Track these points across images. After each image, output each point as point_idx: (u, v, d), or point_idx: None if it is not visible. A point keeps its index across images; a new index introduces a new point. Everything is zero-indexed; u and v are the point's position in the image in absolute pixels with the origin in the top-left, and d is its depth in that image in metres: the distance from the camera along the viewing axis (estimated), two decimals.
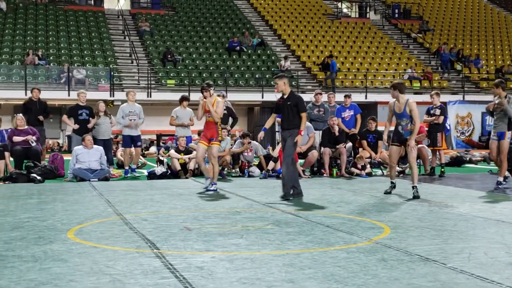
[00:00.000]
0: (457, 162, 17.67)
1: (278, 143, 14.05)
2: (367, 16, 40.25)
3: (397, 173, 14.08)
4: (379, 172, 14.80)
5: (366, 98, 28.65)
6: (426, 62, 34.35)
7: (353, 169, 13.97)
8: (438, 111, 14.27)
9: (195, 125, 14.90)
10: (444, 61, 33.56)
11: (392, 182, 10.41)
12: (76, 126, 14.24)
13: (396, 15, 39.57)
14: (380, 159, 14.69)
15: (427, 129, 14.57)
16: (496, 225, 7.16)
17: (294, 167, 10.15)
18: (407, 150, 10.07)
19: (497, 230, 6.82)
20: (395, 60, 33.58)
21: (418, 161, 15.31)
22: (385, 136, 10.70)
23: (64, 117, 14.82)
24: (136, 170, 14.57)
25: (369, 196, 10.17)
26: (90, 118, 14.37)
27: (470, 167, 17.45)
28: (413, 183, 9.89)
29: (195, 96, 24.24)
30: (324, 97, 15.36)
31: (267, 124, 10.46)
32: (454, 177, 13.69)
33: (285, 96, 9.99)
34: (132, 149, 14.45)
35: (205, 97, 10.79)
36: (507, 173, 11.78)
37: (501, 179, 11.29)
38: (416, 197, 9.65)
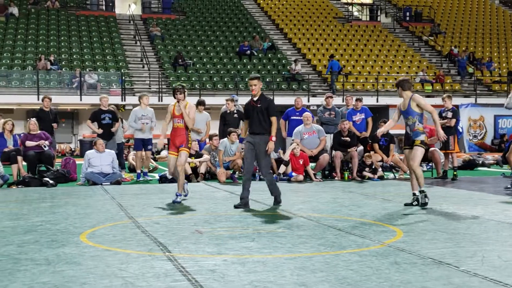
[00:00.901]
0: (469, 165, 17.58)
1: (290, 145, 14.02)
2: (378, 19, 40.16)
3: (409, 176, 14.04)
4: (391, 175, 14.75)
5: (377, 101, 28.58)
6: (437, 65, 34.23)
7: (364, 173, 13.93)
8: (450, 114, 14.20)
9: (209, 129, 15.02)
10: (462, 67, 33.17)
11: (414, 194, 9.14)
12: (100, 131, 14.28)
13: (407, 18, 39.45)
14: (392, 162, 14.64)
15: None
16: (509, 228, 7.12)
17: (271, 175, 9.78)
18: (410, 152, 9.12)
19: (510, 233, 6.78)
20: (406, 63, 33.49)
21: (430, 164, 15.28)
22: (379, 132, 9.84)
23: (88, 122, 14.85)
24: (148, 174, 14.59)
25: (381, 199, 10.14)
26: (114, 122, 14.42)
27: (483, 170, 17.36)
28: (420, 187, 9.02)
29: (206, 100, 24.28)
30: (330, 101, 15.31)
31: (243, 134, 9.79)
32: (466, 180, 13.62)
33: (255, 99, 9.32)
34: (143, 152, 14.49)
35: (178, 100, 9.79)
36: None
37: None
38: (424, 203, 8.90)
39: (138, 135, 14.22)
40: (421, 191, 8.95)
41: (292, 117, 15.01)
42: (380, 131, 9.82)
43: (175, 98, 9.86)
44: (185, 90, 9.89)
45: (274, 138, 9.31)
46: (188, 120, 9.76)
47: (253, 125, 9.29)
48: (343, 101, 25.47)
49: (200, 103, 14.96)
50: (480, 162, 18.56)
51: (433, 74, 32.28)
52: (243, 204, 9.07)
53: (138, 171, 14.34)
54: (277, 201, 9.39)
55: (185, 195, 10.20)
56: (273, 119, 9.23)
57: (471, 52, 35.40)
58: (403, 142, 9.63)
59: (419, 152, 9.03)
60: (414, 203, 8.99)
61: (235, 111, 15.11)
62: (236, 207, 9.02)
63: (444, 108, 14.38)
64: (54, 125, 14.81)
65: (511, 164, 11.81)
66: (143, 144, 14.29)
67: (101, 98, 14.88)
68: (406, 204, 9.08)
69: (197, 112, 14.65)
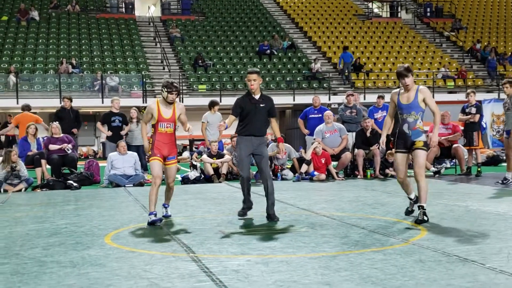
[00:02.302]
0: (493, 161, 17.41)
1: (311, 144, 13.99)
2: (399, 16, 39.92)
3: (432, 173, 13.97)
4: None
5: None
6: (459, 61, 33.93)
7: (387, 171, 13.85)
8: (473, 110, 14.07)
9: (227, 129, 14.94)
10: (492, 67, 32.58)
11: (410, 198, 7.90)
12: (109, 133, 14.40)
13: (428, 14, 39.18)
14: None
15: (462, 128, 14.39)
16: None
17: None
18: (412, 156, 7.63)
19: None
20: (428, 59, 33.25)
21: (454, 161, 15.16)
22: (383, 137, 8.06)
23: (98, 124, 15.01)
24: None
25: (404, 197, 10.05)
26: (124, 125, 14.51)
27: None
28: (420, 201, 7.41)
29: (226, 101, 24.43)
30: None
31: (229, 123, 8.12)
32: (491, 176, 13.48)
33: (257, 97, 8.17)
34: None
35: (171, 101, 7.85)
36: None
37: (508, 174, 11.80)
38: (421, 221, 7.19)
39: None
40: (421, 207, 7.32)
41: (310, 116, 14.98)
42: (383, 140, 8.08)
43: (168, 97, 7.79)
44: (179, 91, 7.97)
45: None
46: (187, 125, 7.97)
47: (255, 126, 8.13)
48: (364, 99, 25.48)
49: (214, 104, 14.92)
50: (504, 158, 18.34)
51: (455, 69, 32.01)
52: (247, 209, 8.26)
53: None
54: (272, 217, 7.88)
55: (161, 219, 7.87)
56: (274, 120, 8.40)
57: (494, 47, 35.04)
58: (395, 143, 7.74)
59: (423, 156, 7.49)
60: (413, 209, 7.72)
61: None
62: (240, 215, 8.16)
63: (467, 104, 14.26)
64: (74, 130, 14.93)
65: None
66: None
67: (113, 100, 14.99)
68: (407, 213, 7.86)
69: (210, 113, 14.73)
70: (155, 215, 7.54)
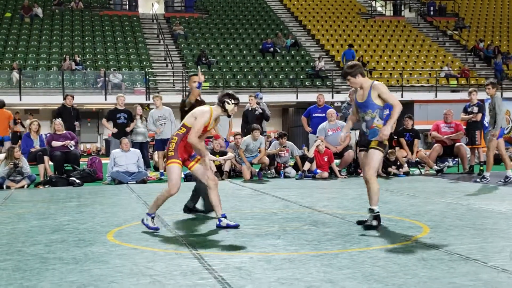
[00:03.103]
0: (496, 160, 17.36)
1: (313, 143, 13.99)
2: (402, 14, 39.87)
3: (434, 172, 13.97)
4: (416, 171, 14.65)
5: (402, 96, 28.38)
6: (462, 59, 33.89)
7: (390, 169, 13.85)
8: (476, 109, 14.08)
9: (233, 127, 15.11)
10: (499, 70, 32.35)
11: (371, 209, 6.85)
12: (115, 130, 14.41)
13: (432, 13, 39.13)
14: (417, 158, 14.55)
15: (465, 127, 14.38)
16: None
17: None
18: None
19: None
20: (431, 58, 33.22)
21: (456, 159, 15.15)
22: (342, 134, 7.44)
23: (104, 120, 15.02)
24: None
25: (407, 195, 10.07)
26: (129, 122, 14.52)
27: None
28: (370, 204, 6.86)
29: None
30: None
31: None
32: (493, 175, 13.46)
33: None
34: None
35: (233, 113, 7.17)
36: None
37: (486, 173, 12.14)
38: (370, 226, 6.71)
39: (158, 136, 14.33)
40: (371, 210, 6.82)
41: (314, 114, 14.98)
42: (343, 136, 7.41)
43: (233, 109, 6.98)
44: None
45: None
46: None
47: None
48: None
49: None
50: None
51: (458, 68, 31.97)
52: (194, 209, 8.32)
53: (161, 170, 14.45)
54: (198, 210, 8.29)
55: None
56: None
57: (496, 46, 34.99)
58: (358, 142, 7.41)
59: (376, 157, 6.85)
60: (373, 223, 6.79)
61: (256, 108, 15.13)
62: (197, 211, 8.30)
63: (469, 103, 14.26)
64: (77, 123, 14.97)
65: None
66: (162, 144, 14.39)
67: (118, 97, 15.01)
68: (359, 222, 7.01)
69: None
70: (153, 217, 6.88)
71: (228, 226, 6.87)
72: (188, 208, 8.31)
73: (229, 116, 7.06)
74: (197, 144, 6.83)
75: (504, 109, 12.15)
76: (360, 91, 6.97)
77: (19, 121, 22.39)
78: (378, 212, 6.81)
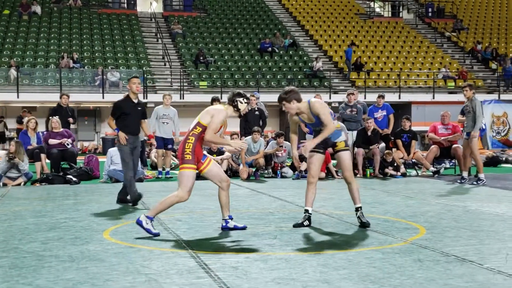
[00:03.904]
0: (493, 162, 17.42)
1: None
2: (400, 16, 39.89)
3: (431, 173, 13.98)
4: (413, 172, 14.67)
5: (399, 98, 28.43)
6: (460, 61, 33.92)
7: (387, 170, 13.86)
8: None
9: (230, 126, 15.06)
10: (509, 75, 31.85)
11: (307, 210, 7.12)
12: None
13: (430, 14, 39.15)
14: (414, 160, 14.56)
15: (462, 128, 14.39)
16: None
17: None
18: (337, 158, 7.38)
19: None
20: (429, 59, 33.24)
21: (453, 161, 15.17)
22: (294, 152, 7.57)
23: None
24: (169, 171, 14.64)
25: (403, 196, 10.08)
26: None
27: (507, 167, 17.18)
28: (356, 203, 7.12)
29: (227, 98, 24.41)
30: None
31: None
32: (490, 177, 13.49)
33: (136, 100, 9.54)
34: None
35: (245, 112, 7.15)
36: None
37: (464, 173, 12.54)
38: (366, 223, 6.96)
39: (159, 134, 14.30)
40: (359, 208, 7.08)
41: None
42: (295, 155, 7.67)
43: (245, 108, 6.97)
44: None
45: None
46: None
47: (133, 126, 9.48)
48: (365, 98, 25.48)
49: (214, 100, 15.00)
50: (504, 159, 18.38)
51: (456, 70, 32.01)
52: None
53: (160, 168, 14.45)
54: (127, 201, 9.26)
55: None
56: (144, 121, 9.84)
57: (494, 48, 35.04)
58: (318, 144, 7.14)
59: (348, 158, 7.18)
60: (305, 223, 6.98)
61: (255, 108, 15.13)
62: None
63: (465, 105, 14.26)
64: (70, 119, 14.92)
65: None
66: (163, 143, 14.39)
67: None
68: (295, 225, 7.00)
69: None
70: (152, 221, 6.53)
71: (235, 228, 6.80)
72: (120, 200, 9.41)
73: (240, 116, 6.95)
74: (216, 139, 6.81)
75: (481, 111, 12.56)
76: (302, 114, 7.03)
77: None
78: (361, 206, 7.11)
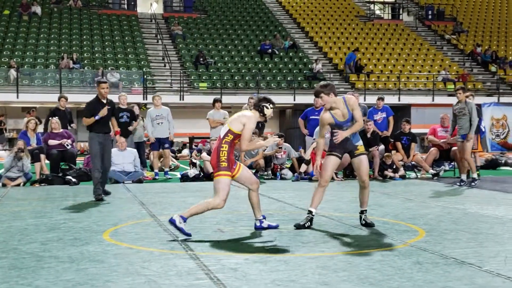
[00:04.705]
0: (492, 164, 17.43)
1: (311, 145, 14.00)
2: (400, 18, 39.93)
3: (431, 175, 13.99)
4: (412, 174, 14.68)
5: (399, 100, 28.43)
6: (460, 64, 33.95)
7: (386, 172, 13.87)
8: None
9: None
10: None
11: (310, 211, 7.07)
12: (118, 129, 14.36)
13: (430, 17, 39.17)
14: (414, 162, 14.57)
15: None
16: None
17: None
18: (356, 161, 7.22)
19: None
20: (428, 62, 33.27)
21: (453, 163, 15.17)
22: (308, 154, 7.55)
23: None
24: (168, 172, 14.65)
25: (403, 199, 10.09)
26: (131, 121, 14.50)
27: (506, 170, 17.19)
28: (363, 206, 7.18)
29: (227, 99, 24.45)
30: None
31: None
32: (489, 180, 13.50)
33: (105, 101, 10.40)
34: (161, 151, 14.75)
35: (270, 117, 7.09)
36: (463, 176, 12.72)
37: (463, 176, 12.61)
38: (371, 224, 7.06)
39: (154, 135, 14.34)
40: (365, 211, 7.18)
41: (311, 117, 14.98)
42: (317, 165, 7.45)
43: (271, 114, 6.89)
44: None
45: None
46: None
47: (104, 125, 10.35)
48: (364, 100, 25.50)
49: (216, 101, 15.15)
50: (503, 161, 18.39)
51: (456, 73, 32.03)
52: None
53: (156, 170, 14.47)
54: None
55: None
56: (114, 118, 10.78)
57: (494, 51, 35.07)
58: (329, 149, 7.35)
59: (367, 161, 7.22)
60: (306, 224, 6.97)
61: None
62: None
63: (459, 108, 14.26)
64: (73, 125, 14.97)
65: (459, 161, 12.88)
66: (159, 143, 14.42)
67: (120, 96, 15.00)
68: (296, 226, 6.99)
69: (215, 110, 14.89)
70: (185, 221, 6.43)
71: (269, 227, 6.85)
72: (104, 192, 10.21)
73: (265, 121, 6.95)
74: (252, 147, 6.92)
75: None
76: (335, 110, 7.02)
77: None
78: (366, 210, 7.22)
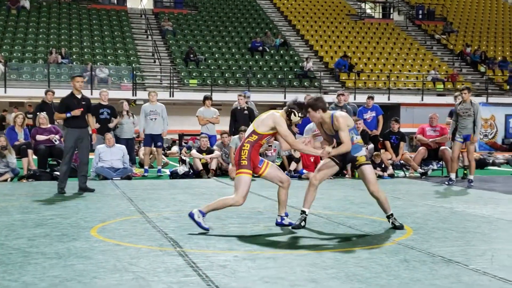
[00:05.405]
0: (480, 164, 17.49)
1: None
2: (391, 17, 40.01)
3: (419, 174, 14.05)
4: (401, 173, 14.73)
5: (389, 99, 28.51)
6: (449, 64, 34.08)
7: (375, 171, 13.88)
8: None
9: (220, 124, 15.14)
10: None
11: (303, 211, 7.00)
12: (97, 125, 14.33)
13: (420, 16, 39.29)
14: (402, 161, 14.61)
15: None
16: None
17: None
18: (360, 173, 7.09)
19: None
20: (418, 61, 33.37)
21: (441, 163, 15.24)
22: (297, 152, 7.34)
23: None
24: (161, 170, 14.56)
25: (391, 197, 10.10)
26: (112, 118, 14.44)
27: (493, 170, 17.29)
28: (387, 212, 7.03)
29: (217, 96, 24.42)
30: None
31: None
32: (477, 179, 13.56)
33: (79, 96, 10.65)
34: (154, 149, 14.68)
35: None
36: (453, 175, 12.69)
37: (471, 177, 12.40)
38: (400, 226, 6.92)
39: (147, 131, 14.27)
40: (391, 215, 7.01)
41: None
42: (326, 153, 6.86)
43: (298, 120, 6.90)
44: None
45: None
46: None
47: (81, 120, 10.52)
48: (355, 99, 25.55)
49: (207, 98, 15.12)
50: (491, 161, 18.48)
51: (445, 72, 32.16)
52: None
53: (146, 166, 14.41)
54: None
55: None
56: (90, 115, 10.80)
57: (483, 51, 35.23)
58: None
59: (371, 171, 7.03)
60: (302, 224, 6.92)
61: (245, 108, 15.15)
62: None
63: (454, 108, 14.31)
64: (60, 121, 14.86)
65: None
66: (152, 140, 14.35)
67: (101, 92, 14.93)
68: (294, 227, 6.88)
69: (205, 108, 14.86)
70: (204, 215, 6.59)
71: (290, 225, 6.91)
72: (81, 188, 10.52)
73: (289, 125, 6.82)
74: (305, 149, 6.94)
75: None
76: (325, 125, 6.91)
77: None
78: (392, 213, 7.01)
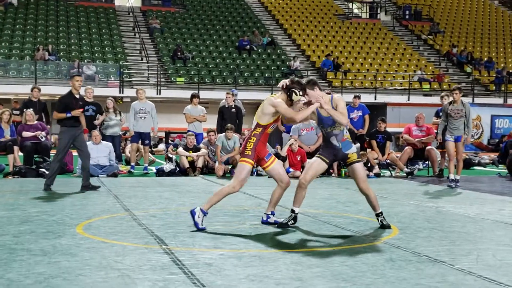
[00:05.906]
0: (465, 164, 17.59)
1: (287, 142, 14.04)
2: (378, 17, 40.14)
3: (405, 174, 14.11)
4: (387, 173, 14.78)
5: (375, 99, 28.61)
6: (436, 64, 34.24)
7: None
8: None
9: (207, 122, 15.13)
10: (501, 80, 32.11)
11: (293, 210, 6.99)
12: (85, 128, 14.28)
13: (407, 17, 39.44)
14: (388, 160, 14.67)
15: (436, 131, 14.53)
16: (504, 227, 7.14)
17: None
18: (350, 171, 7.12)
19: (506, 232, 6.81)
20: (405, 61, 33.50)
21: (427, 162, 15.32)
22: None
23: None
24: (147, 168, 14.54)
25: (377, 196, 10.13)
26: (98, 115, 14.38)
27: (479, 170, 17.40)
28: (376, 210, 6.99)
29: (204, 94, 24.38)
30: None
31: None
32: (462, 179, 13.63)
33: (78, 96, 10.78)
34: (141, 146, 14.65)
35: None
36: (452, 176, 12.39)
37: (458, 177, 12.12)
38: (387, 225, 6.88)
39: (136, 128, 14.24)
40: (380, 214, 6.97)
41: None
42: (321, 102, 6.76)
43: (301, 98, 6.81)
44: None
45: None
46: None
47: (76, 120, 10.65)
48: None
49: (194, 96, 15.13)
50: (476, 161, 18.60)
51: (431, 73, 32.31)
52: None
53: (132, 163, 14.40)
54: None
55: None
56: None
57: (470, 52, 35.43)
58: (320, 151, 7.13)
59: (362, 169, 7.08)
60: (290, 223, 6.91)
61: (233, 106, 15.16)
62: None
63: (441, 108, 14.38)
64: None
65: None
66: (140, 137, 14.33)
67: (86, 89, 14.83)
68: (280, 225, 6.88)
69: (192, 106, 14.87)
70: (205, 215, 6.63)
71: (276, 223, 6.95)
72: (83, 186, 10.40)
73: (291, 105, 6.73)
74: (304, 115, 6.71)
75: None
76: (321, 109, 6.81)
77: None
78: (381, 212, 7.01)
